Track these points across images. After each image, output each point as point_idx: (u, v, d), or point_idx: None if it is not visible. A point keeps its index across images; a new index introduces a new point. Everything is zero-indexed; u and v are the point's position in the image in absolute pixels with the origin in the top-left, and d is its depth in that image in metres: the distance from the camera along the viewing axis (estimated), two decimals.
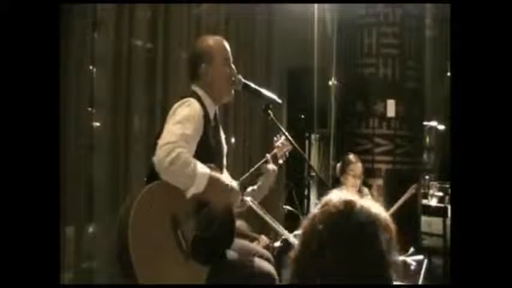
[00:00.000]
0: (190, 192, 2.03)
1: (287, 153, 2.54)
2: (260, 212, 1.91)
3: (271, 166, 2.39)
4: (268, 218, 1.82)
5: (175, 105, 2.15)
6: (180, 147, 1.99)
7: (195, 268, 2.05)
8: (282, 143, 2.51)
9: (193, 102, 2.16)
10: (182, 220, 2.04)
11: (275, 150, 2.48)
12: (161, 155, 1.98)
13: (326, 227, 1.11)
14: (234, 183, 2.21)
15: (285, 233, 1.79)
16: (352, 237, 1.10)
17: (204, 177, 2.04)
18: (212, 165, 2.15)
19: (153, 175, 2.06)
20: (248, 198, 1.93)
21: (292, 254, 1.16)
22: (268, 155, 2.43)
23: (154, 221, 1.98)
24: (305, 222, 1.16)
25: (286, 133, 2.47)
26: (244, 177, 2.37)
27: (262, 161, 2.41)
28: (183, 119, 2.08)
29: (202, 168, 2.04)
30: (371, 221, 1.12)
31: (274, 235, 3.92)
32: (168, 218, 2.02)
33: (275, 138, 2.53)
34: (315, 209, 1.17)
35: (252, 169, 2.39)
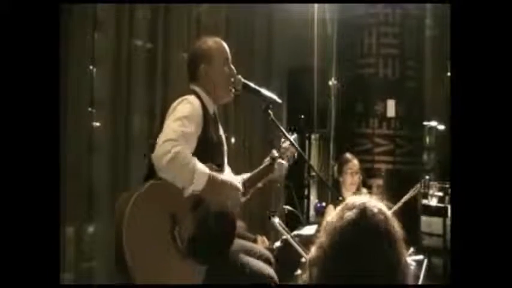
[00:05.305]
0: (189, 190, 2.02)
1: (295, 154, 2.56)
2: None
3: (279, 161, 2.42)
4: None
5: (175, 103, 2.15)
6: (179, 145, 1.98)
7: (191, 267, 2.04)
8: (286, 146, 2.52)
9: (193, 100, 2.16)
10: (179, 219, 2.03)
11: (281, 151, 2.49)
12: (160, 152, 1.97)
13: (347, 230, 1.10)
14: (236, 180, 2.21)
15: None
16: (372, 240, 1.09)
17: (204, 175, 2.03)
18: (212, 164, 2.15)
19: (151, 173, 2.06)
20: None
21: (312, 256, 1.14)
22: (275, 152, 2.45)
23: (151, 219, 1.97)
24: (324, 225, 1.14)
25: (286, 133, 2.47)
26: (248, 176, 2.39)
27: (267, 160, 2.43)
28: (183, 116, 2.08)
29: (201, 167, 2.04)
30: (390, 223, 1.11)
31: (273, 236, 3.91)
32: (165, 216, 2.00)
33: (282, 140, 2.54)
34: (330, 214, 1.16)
35: (256, 170, 2.40)
